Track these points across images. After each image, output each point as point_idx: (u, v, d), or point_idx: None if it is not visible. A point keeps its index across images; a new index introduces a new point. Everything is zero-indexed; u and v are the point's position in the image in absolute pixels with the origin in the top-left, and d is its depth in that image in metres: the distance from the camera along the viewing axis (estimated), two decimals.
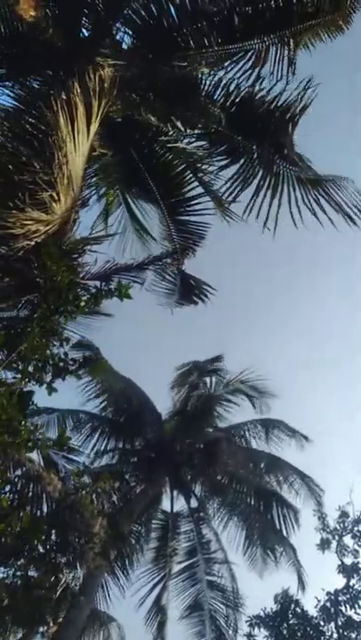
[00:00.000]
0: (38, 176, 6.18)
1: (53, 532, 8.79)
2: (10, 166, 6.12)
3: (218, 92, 9.56)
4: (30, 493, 10.03)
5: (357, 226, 9.21)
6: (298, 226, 9.47)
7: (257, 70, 9.31)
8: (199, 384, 17.41)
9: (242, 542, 15.73)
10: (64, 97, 6.70)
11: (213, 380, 17.68)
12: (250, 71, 9.32)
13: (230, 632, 15.01)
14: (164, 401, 17.36)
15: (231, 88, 9.47)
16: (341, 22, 9.16)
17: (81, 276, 7.09)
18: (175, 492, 16.67)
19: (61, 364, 5.91)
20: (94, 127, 7.40)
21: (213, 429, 17.02)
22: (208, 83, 9.45)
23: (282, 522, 15.07)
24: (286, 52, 9.11)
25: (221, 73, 9.47)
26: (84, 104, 6.96)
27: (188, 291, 11.08)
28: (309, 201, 9.41)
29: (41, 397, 6.23)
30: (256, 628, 12.75)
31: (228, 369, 17.55)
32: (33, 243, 5.95)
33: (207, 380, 17.69)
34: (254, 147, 9.80)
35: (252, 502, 15.64)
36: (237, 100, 9.54)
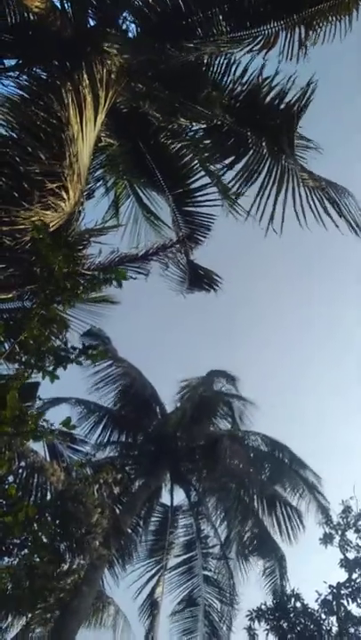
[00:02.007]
0: (45, 168, 6.16)
1: (57, 521, 8.84)
2: (16, 158, 6.10)
3: (225, 83, 9.48)
4: (34, 484, 10.11)
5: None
6: (302, 225, 9.45)
7: (265, 60, 9.22)
8: (207, 386, 17.46)
9: (232, 545, 15.85)
10: (71, 87, 6.67)
11: (223, 381, 17.74)
12: (257, 57, 9.23)
13: (224, 628, 15.14)
14: (169, 394, 17.41)
15: (238, 80, 9.40)
16: (351, 4, 9.01)
17: (85, 267, 7.08)
18: (175, 487, 16.73)
19: (62, 352, 5.90)
20: (101, 118, 7.37)
21: (216, 428, 17.04)
22: (215, 73, 9.39)
23: (286, 522, 15.10)
24: (297, 37, 9.00)
25: (229, 62, 9.38)
26: (92, 94, 6.92)
27: (198, 280, 11.12)
28: (313, 201, 9.39)
29: (51, 387, 6.23)
30: (256, 622, 12.76)
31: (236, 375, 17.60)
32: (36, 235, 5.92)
33: (215, 381, 17.76)
34: (260, 141, 9.75)
35: (253, 503, 15.63)
36: (244, 92, 9.47)
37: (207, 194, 10.52)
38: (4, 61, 8.30)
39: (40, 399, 6.27)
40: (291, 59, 9.17)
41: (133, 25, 9.03)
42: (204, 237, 10.60)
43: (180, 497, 16.85)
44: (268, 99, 9.39)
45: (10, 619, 10.93)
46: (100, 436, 15.72)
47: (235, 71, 9.32)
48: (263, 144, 9.71)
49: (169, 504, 16.74)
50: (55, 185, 6.14)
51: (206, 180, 10.42)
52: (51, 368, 5.94)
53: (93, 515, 9.17)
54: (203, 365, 18.76)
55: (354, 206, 9.32)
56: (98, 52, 7.75)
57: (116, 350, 16.36)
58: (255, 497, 15.64)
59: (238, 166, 9.97)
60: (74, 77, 6.86)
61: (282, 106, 9.35)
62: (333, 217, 9.31)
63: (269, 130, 9.58)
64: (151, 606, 15.28)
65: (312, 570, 19.01)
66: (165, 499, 16.76)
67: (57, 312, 6.08)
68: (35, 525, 7.17)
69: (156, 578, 15.61)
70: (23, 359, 5.87)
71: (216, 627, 15.23)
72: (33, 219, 5.89)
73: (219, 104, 9.46)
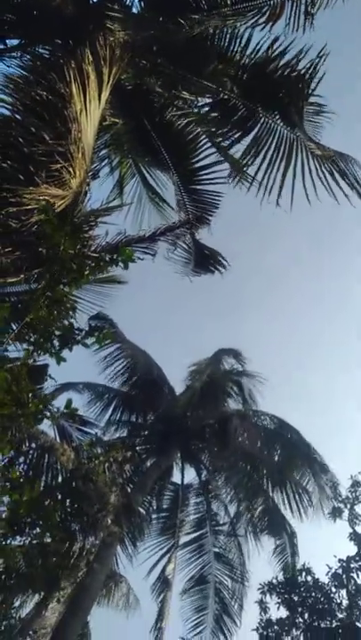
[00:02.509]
0: (50, 148, 6.10)
1: (68, 500, 8.94)
2: (20, 139, 6.05)
3: (231, 55, 9.31)
4: (45, 464, 10.22)
5: None
6: (311, 198, 9.33)
7: (271, 30, 9.03)
8: (216, 365, 17.46)
9: (243, 522, 15.99)
10: (74, 66, 6.57)
11: (232, 360, 17.72)
12: (264, 29, 9.04)
13: (235, 604, 15.34)
14: (178, 373, 17.47)
15: (244, 52, 9.23)
16: None
17: (92, 248, 7.05)
18: (186, 465, 16.85)
19: (67, 333, 5.90)
20: (105, 95, 7.26)
21: (226, 408, 17.08)
22: (220, 45, 9.22)
23: (296, 498, 15.21)
24: (303, 7, 8.81)
25: (235, 33, 9.21)
26: (95, 72, 6.82)
27: (204, 260, 11.06)
28: (323, 173, 9.26)
29: (60, 373, 6.25)
30: (267, 595, 12.97)
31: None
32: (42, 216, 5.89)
33: (225, 360, 17.75)
34: (269, 114, 9.60)
35: (262, 481, 15.74)
36: (251, 63, 9.30)
37: (214, 171, 10.40)
38: (7, 41, 8.19)
39: (52, 378, 6.27)
40: (297, 29, 8.98)
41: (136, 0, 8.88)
42: (212, 216, 10.50)
43: (190, 475, 16.99)
44: (276, 70, 9.22)
45: (23, 596, 11.17)
46: (110, 417, 15.80)
47: (241, 43, 9.16)
48: (272, 116, 9.57)
49: (180, 483, 16.87)
50: (60, 165, 6.09)
51: (213, 157, 10.30)
52: (57, 350, 5.95)
53: (104, 493, 9.26)
54: (210, 343, 18.81)
55: None
56: (101, 28, 7.62)
57: (123, 333, 16.37)
58: (265, 474, 15.74)
59: (248, 139, 9.85)
60: (77, 55, 6.75)
61: (291, 76, 9.17)
62: (344, 189, 9.18)
63: (278, 101, 9.42)
64: (163, 584, 15.49)
65: (322, 544, 19.21)
66: (176, 477, 16.89)
67: (63, 293, 6.07)
68: (45, 504, 7.27)
69: (168, 556, 15.78)
70: (32, 339, 5.89)
71: (227, 603, 15.42)
72: (39, 198, 5.83)
73: (225, 76, 9.31)
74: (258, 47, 9.15)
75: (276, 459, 15.97)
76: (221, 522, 16.31)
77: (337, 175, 9.20)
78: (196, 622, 15.30)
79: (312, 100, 9.31)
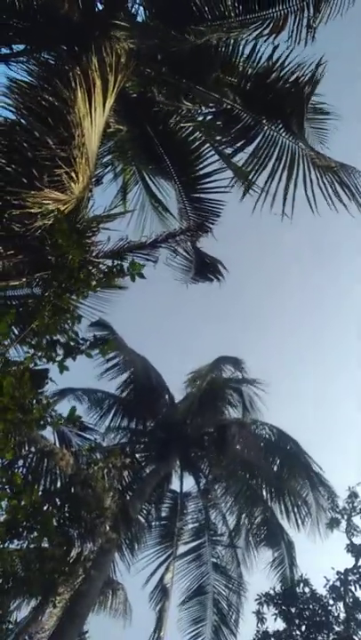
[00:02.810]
0: (54, 153, 6.14)
1: (66, 505, 8.91)
2: (25, 144, 6.09)
3: (234, 66, 9.40)
4: (44, 468, 10.20)
5: None
6: (313, 209, 9.40)
7: (274, 42, 9.13)
8: (216, 373, 17.46)
9: (241, 533, 15.92)
10: (79, 72, 6.63)
11: (231, 368, 17.72)
12: (267, 41, 9.14)
13: (233, 615, 15.23)
14: (177, 379, 17.47)
15: (247, 62, 9.32)
16: None
17: (94, 254, 7.08)
18: (185, 473, 16.80)
19: (72, 342, 5.92)
20: (110, 103, 7.32)
21: (225, 416, 17.06)
22: (224, 56, 9.31)
23: (294, 510, 15.17)
24: (305, 21, 8.90)
25: (238, 44, 9.30)
26: (101, 79, 6.88)
27: (204, 268, 11.10)
28: (324, 184, 9.32)
29: (59, 377, 6.25)
30: (265, 606, 12.88)
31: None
32: (49, 222, 5.93)
33: (225, 368, 17.76)
34: (271, 124, 9.68)
35: (261, 491, 15.69)
36: (253, 75, 9.39)
37: (216, 180, 10.47)
38: (13, 47, 8.27)
39: (52, 381, 6.28)
40: (299, 42, 9.08)
41: (142, 8, 8.97)
42: (213, 224, 10.56)
43: (190, 483, 16.95)
44: (278, 80, 9.32)
45: (20, 601, 11.11)
46: (109, 423, 15.80)
47: (244, 53, 9.27)
48: (273, 127, 9.65)
49: (179, 490, 16.82)
50: (63, 170, 6.13)
51: (216, 165, 10.38)
52: (60, 358, 5.97)
53: (103, 499, 9.24)
54: (210, 349, 18.81)
55: None
56: (106, 36, 7.70)
57: (122, 339, 16.39)
58: (264, 484, 15.70)
59: (250, 149, 9.93)
60: (82, 61, 6.81)
61: (292, 88, 9.27)
62: (344, 200, 9.23)
63: (280, 112, 9.51)
64: (161, 592, 15.40)
65: (320, 556, 19.12)
66: (175, 485, 16.85)
67: (69, 302, 6.09)
68: (44, 509, 7.25)
69: (166, 564, 15.71)
70: (33, 342, 5.90)
71: (225, 614, 15.31)
72: (42, 202, 5.87)
73: (228, 86, 9.40)
74: (260, 57, 9.26)
75: (275, 469, 15.94)
76: (220, 532, 16.26)
77: (337, 186, 9.27)
78: (194, 634, 15.20)
79: (316, 106, 9.39)
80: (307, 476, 15.72)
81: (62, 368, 6.09)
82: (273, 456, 16.23)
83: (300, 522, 15.23)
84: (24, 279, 7.00)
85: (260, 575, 15.48)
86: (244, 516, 15.91)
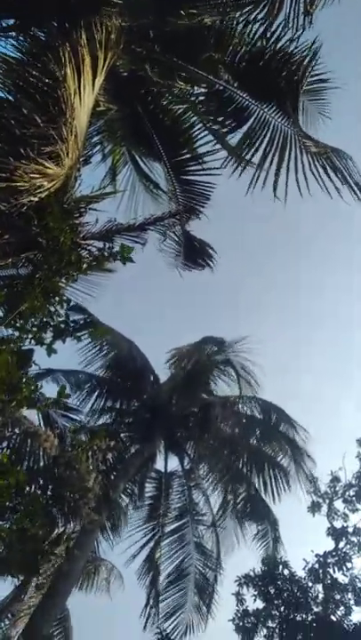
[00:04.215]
0: (42, 130, 6.03)
1: (49, 486, 8.93)
2: (12, 120, 5.97)
3: (227, 45, 9.26)
4: (27, 450, 10.19)
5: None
6: (304, 193, 9.36)
7: (270, 22, 8.98)
8: (200, 353, 17.43)
9: (228, 510, 16.09)
10: (69, 48, 6.49)
11: (213, 348, 17.70)
12: (262, 22, 8.99)
13: (212, 594, 15.48)
14: (162, 364, 17.41)
15: (241, 41, 9.18)
16: None
17: (81, 235, 7.00)
18: (169, 453, 16.89)
19: (62, 325, 5.88)
20: (100, 81, 7.19)
21: (210, 395, 17.10)
22: (217, 37, 9.16)
23: (273, 484, 15.33)
24: (302, 5, 8.76)
25: (232, 26, 9.16)
26: (90, 56, 6.75)
27: (193, 253, 11.03)
28: (317, 168, 9.26)
29: (41, 358, 6.23)
30: (245, 587, 13.06)
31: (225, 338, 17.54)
32: (36, 199, 5.83)
33: (207, 348, 17.72)
34: (264, 106, 9.59)
35: (244, 467, 15.82)
36: (247, 55, 9.26)
37: (206, 162, 10.37)
38: (2, 22, 8.07)
39: (36, 364, 6.25)
40: (297, 28, 8.93)
41: None
42: (203, 207, 10.48)
43: (174, 463, 17.05)
44: (272, 61, 9.20)
45: (2, 580, 11.15)
46: (93, 404, 15.77)
47: (238, 33, 9.11)
48: (266, 109, 9.56)
49: (163, 470, 16.93)
50: (52, 147, 6.02)
51: (206, 147, 10.27)
52: (49, 341, 5.94)
53: (86, 480, 9.25)
54: (197, 331, 18.68)
55: (357, 172, 9.19)
56: (97, 13, 7.53)
57: (103, 323, 16.22)
58: (246, 461, 15.83)
59: (243, 129, 9.83)
60: (72, 37, 6.67)
61: (286, 69, 9.16)
62: (337, 184, 9.18)
63: (273, 94, 9.41)
64: (150, 569, 15.62)
65: (299, 538, 19.38)
66: (160, 465, 16.95)
67: (59, 285, 6.05)
68: (27, 490, 7.26)
69: (152, 543, 15.89)
70: (18, 324, 5.86)
71: (205, 593, 15.55)
72: (31, 176, 5.76)
73: (222, 65, 9.27)
74: (255, 37, 9.12)
75: (255, 442, 16.09)
76: (202, 512, 16.42)
77: (330, 171, 9.21)
78: (174, 612, 15.42)
79: (315, 78, 9.29)
80: (287, 441, 15.89)
81: (50, 351, 6.07)
82: (255, 430, 16.36)
83: (280, 491, 15.37)
84: (10, 260, 6.91)
85: (241, 556, 15.72)
86: (228, 492, 16.05)
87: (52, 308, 5.93)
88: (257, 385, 16.94)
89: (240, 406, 16.77)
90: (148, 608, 15.26)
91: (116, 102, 9.36)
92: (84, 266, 5.95)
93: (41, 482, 8.87)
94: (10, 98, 6.25)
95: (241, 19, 9.05)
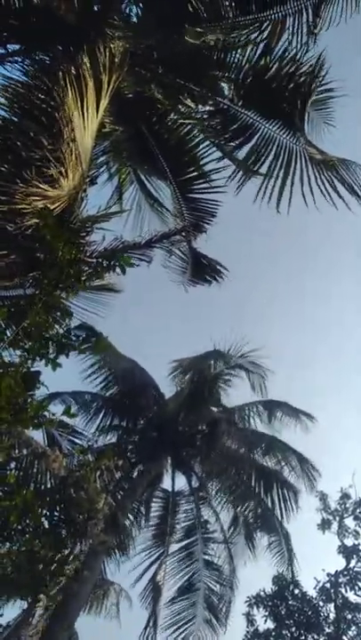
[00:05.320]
0: (46, 152, 6.09)
1: (58, 507, 8.88)
2: (18, 143, 6.04)
3: (230, 67, 9.36)
4: (35, 470, 10.14)
5: None
6: (311, 207, 9.37)
7: (274, 43, 9.06)
8: (204, 367, 17.34)
9: (240, 525, 15.90)
10: (73, 72, 6.58)
11: (218, 362, 17.61)
12: (265, 44, 9.08)
13: (224, 611, 15.21)
14: (167, 381, 17.32)
15: (245, 62, 9.27)
16: None
17: (87, 253, 7.03)
18: (176, 472, 16.74)
19: (64, 339, 5.87)
20: (104, 103, 7.28)
21: (216, 410, 16.97)
22: (220, 57, 9.26)
23: (282, 503, 15.15)
24: (305, 22, 8.84)
25: (235, 46, 9.25)
26: (94, 79, 6.84)
27: (201, 269, 11.04)
28: (323, 181, 9.28)
29: (48, 381, 6.20)
30: (255, 608, 12.90)
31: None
32: (38, 221, 5.87)
33: (211, 362, 17.62)
34: (269, 123, 9.65)
35: (253, 484, 15.68)
36: (251, 74, 9.34)
37: (212, 180, 10.42)
38: (8, 47, 8.20)
39: (43, 385, 6.21)
40: (300, 46, 9.02)
41: (137, 9, 8.90)
42: (209, 224, 10.51)
43: (181, 482, 16.90)
44: (277, 76, 9.27)
45: (10, 602, 11.05)
46: (99, 424, 15.70)
47: (242, 51, 9.21)
48: (271, 126, 9.62)
49: (170, 490, 16.77)
50: (54, 168, 6.08)
51: (211, 165, 10.33)
52: (53, 356, 5.92)
53: (95, 500, 9.20)
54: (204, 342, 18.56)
55: None
56: (101, 36, 7.65)
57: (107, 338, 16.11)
58: (255, 477, 15.68)
59: (248, 147, 9.89)
60: (75, 61, 6.77)
61: (291, 85, 9.23)
62: (345, 196, 9.18)
63: (279, 109, 9.47)
64: (153, 591, 15.39)
65: (310, 555, 19.12)
66: (167, 484, 16.80)
67: (60, 299, 6.04)
68: (35, 511, 7.21)
69: (158, 563, 15.70)
70: (27, 346, 5.85)
71: (215, 611, 15.29)
72: (32, 198, 5.81)
73: (225, 84, 9.36)
74: (259, 54, 9.20)
75: (261, 455, 15.96)
76: (212, 529, 16.23)
77: (337, 183, 9.23)
78: (183, 630, 15.18)
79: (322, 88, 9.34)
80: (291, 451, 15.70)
81: (55, 365, 6.03)
82: (260, 444, 16.23)
83: (289, 509, 15.16)
84: (16, 279, 6.94)
85: (252, 576, 15.51)
86: (239, 509, 15.88)
87: (56, 322, 5.93)
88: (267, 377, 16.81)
89: (247, 412, 16.64)
90: (148, 629, 15.01)
91: (121, 123, 9.45)
92: (84, 278, 5.95)
93: (49, 501, 8.81)
94: (15, 120, 6.33)
95: (243, 39, 9.13)
